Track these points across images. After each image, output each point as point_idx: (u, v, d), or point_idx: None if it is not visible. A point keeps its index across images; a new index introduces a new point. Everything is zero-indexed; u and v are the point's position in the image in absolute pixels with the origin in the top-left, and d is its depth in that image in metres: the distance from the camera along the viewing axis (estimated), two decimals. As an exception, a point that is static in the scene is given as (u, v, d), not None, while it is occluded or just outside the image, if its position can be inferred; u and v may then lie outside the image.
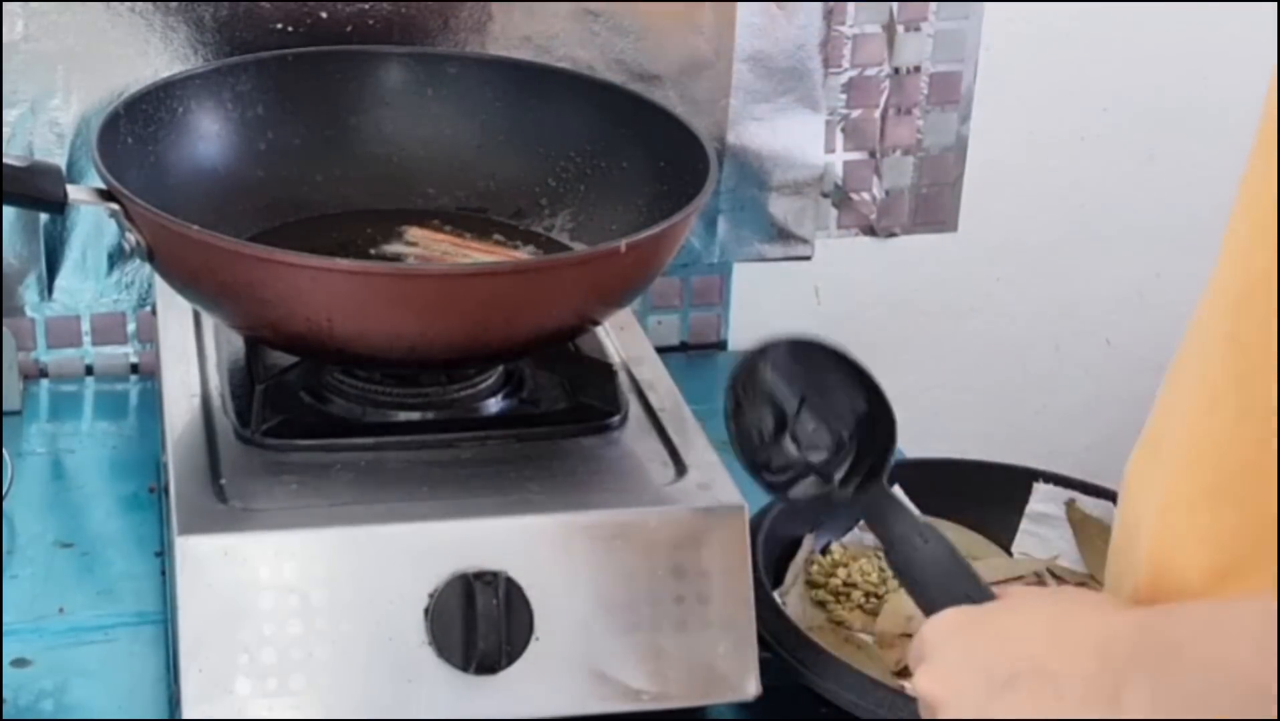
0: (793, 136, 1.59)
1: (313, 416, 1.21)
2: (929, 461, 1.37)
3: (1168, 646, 0.76)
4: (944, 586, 0.94)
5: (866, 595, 1.26)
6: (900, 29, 1.61)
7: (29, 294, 1.51)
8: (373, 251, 1.35)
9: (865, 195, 1.66)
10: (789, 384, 1.01)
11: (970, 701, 0.82)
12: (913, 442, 1.50)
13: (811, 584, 1.27)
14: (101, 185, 1.19)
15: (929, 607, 0.93)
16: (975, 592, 0.93)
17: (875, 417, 0.99)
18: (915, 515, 0.98)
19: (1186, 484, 0.80)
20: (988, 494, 1.35)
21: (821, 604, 1.26)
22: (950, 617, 0.88)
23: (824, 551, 1.31)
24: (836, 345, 1.00)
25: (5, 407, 1.45)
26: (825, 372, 1.00)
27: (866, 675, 1.15)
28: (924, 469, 1.34)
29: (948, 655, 0.86)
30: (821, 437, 1.00)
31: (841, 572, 1.28)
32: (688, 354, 1.67)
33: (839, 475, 1.00)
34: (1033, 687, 0.80)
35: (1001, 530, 1.34)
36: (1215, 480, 0.78)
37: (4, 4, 1.41)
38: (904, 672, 1.18)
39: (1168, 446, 0.82)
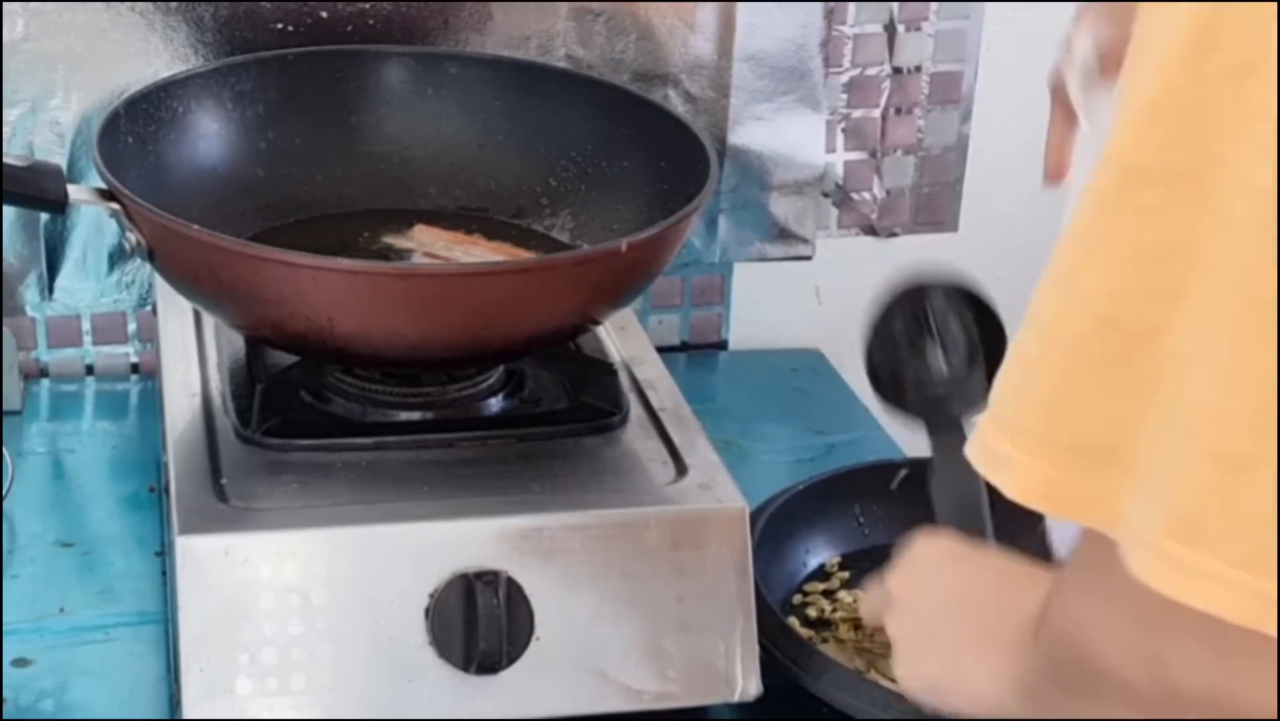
0: (793, 136, 1.59)
1: (313, 416, 1.22)
2: (931, 460, 1.36)
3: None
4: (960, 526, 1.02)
5: (856, 627, 1.25)
6: (901, 29, 1.61)
7: (29, 293, 1.51)
8: (374, 250, 1.35)
9: (866, 195, 1.66)
10: (939, 320, 1.13)
11: (916, 670, 0.92)
12: (914, 442, 1.50)
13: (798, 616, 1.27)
14: (102, 185, 1.19)
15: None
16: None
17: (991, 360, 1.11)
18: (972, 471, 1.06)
19: None
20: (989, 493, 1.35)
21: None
22: (927, 560, 0.96)
23: (820, 569, 1.31)
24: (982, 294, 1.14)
25: (6, 407, 1.45)
26: (958, 311, 1.13)
27: (861, 675, 1.15)
28: (926, 468, 1.34)
29: (916, 608, 0.93)
30: (942, 372, 1.12)
31: (827, 606, 1.27)
32: (688, 353, 1.67)
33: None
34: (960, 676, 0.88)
35: (1004, 529, 1.34)
36: None
37: (4, 4, 1.41)
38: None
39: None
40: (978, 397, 1.10)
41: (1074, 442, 0.70)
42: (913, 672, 0.92)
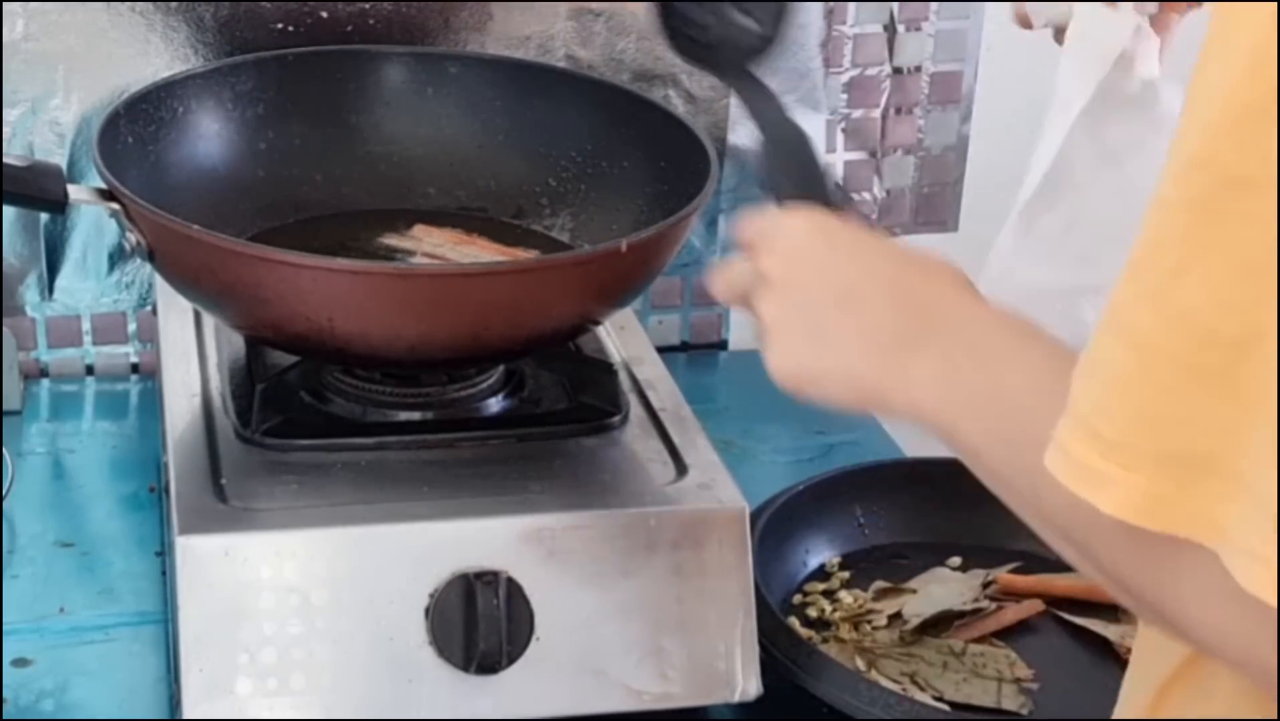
0: (793, 136, 1.59)
1: (313, 416, 1.22)
2: (931, 461, 1.36)
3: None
4: (800, 188, 0.99)
5: (855, 627, 1.25)
6: (901, 28, 1.61)
7: (30, 294, 1.51)
8: (374, 250, 1.35)
9: (866, 195, 1.66)
10: None
11: (793, 357, 0.90)
12: (915, 442, 1.50)
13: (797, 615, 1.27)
14: (102, 185, 1.19)
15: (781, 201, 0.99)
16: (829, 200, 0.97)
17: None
18: (784, 111, 1.04)
19: None
20: (991, 493, 1.34)
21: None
22: (801, 239, 0.93)
23: (820, 569, 1.31)
24: None
25: (6, 407, 1.45)
26: None
27: (861, 675, 1.14)
28: (926, 468, 1.34)
29: (796, 292, 0.91)
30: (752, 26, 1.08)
31: (827, 606, 1.27)
32: (688, 353, 1.67)
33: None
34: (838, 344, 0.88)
35: (1004, 529, 1.34)
36: None
37: (4, 4, 1.41)
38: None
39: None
40: (779, 47, 1.09)
41: (1173, 455, 0.69)
42: (789, 360, 0.90)
